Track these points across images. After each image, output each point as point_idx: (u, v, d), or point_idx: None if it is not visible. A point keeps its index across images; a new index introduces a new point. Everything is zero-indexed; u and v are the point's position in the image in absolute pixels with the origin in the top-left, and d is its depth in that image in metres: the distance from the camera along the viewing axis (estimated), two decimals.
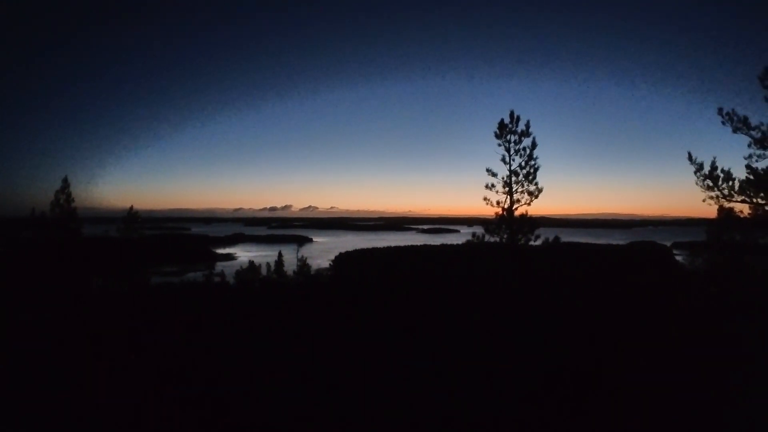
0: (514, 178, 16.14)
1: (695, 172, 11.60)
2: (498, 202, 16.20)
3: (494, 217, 16.28)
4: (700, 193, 11.64)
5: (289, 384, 8.93)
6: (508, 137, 16.13)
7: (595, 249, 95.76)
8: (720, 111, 11.06)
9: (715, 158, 11.38)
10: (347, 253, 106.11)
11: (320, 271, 41.21)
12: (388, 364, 10.22)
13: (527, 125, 15.96)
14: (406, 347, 11.68)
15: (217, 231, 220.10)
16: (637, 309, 16.77)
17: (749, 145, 10.82)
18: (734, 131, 10.99)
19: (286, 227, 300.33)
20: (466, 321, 14.88)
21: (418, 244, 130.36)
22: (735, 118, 10.87)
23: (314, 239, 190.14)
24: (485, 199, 16.32)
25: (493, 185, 16.26)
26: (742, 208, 12.96)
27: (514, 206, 16.13)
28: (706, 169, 11.43)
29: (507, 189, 16.19)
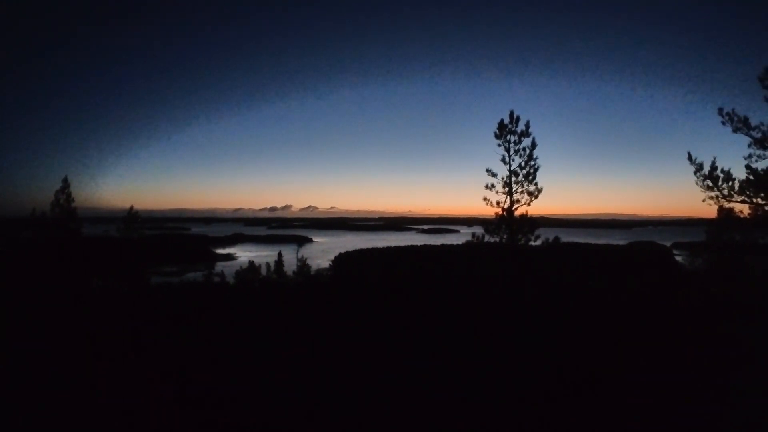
0: (513, 179, 16.15)
1: (695, 173, 11.62)
2: (498, 203, 16.22)
3: (494, 217, 16.30)
4: (700, 194, 11.67)
5: (289, 384, 8.93)
6: (508, 137, 16.15)
7: (595, 249, 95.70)
8: (720, 111, 11.08)
9: (715, 158, 11.41)
10: (347, 253, 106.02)
11: (320, 271, 41.20)
12: (388, 364, 10.22)
13: (527, 125, 15.99)
14: (406, 347, 11.68)
15: (217, 231, 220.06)
16: (637, 309, 16.77)
17: (749, 146, 10.84)
18: (734, 131, 11.01)
19: (286, 227, 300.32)
20: (466, 321, 14.88)
21: (418, 244, 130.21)
22: (735, 118, 10.89)
23: (314, 239, 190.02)
24: (485, 199, 16.34)
25: (492, 185, 16.28)
26: (742, 209, 13.02)
27: (514, 206, 16.15)
28: (706, 169, 11.45)
29: (507, 189, 16.21)
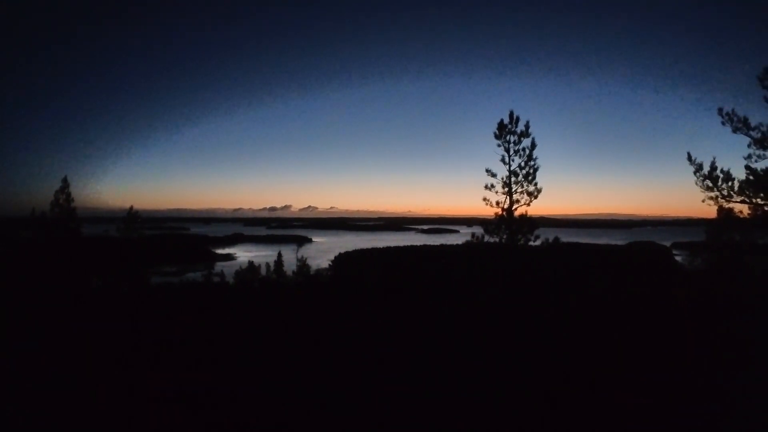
0: (513, 179, 16.16)
1: (695, 173, 11.62)
2: (497, 203, 16.22)
3: (494, 217, 16.30)
4: (699, 194, 11.67)
5: (289, 384, 8.93)
6: (508, 138, 16.16)
7: (595, 249, 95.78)
8: (720, 111, 11.09)
9: (714, 158, 11.41)
10: (347, 253, 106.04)
11: (320, 271, 41.21)
12: (388, 364, 10.22)
13: (527, 126, 16.00)
14: (406, 347, 11.68)
15: (217, 231, 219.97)
16: (636, 309, 16.78)
17: (749, 146, 10.85)
18: (734, 131, 11.02)
19: (286, 227, 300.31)
20: (466, 321, 14.89)
21: (418, 244, 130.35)
22: (735, 119, 10.89)
23: (314, 239, 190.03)
24: (485, 199, 16.34)
25: (492, 186, 16.28)
26: (742, 209, 13.01)
27: (514, 206, 16.16)
28: (706, 169, 11.45)
29: (506, 189, 16.21)
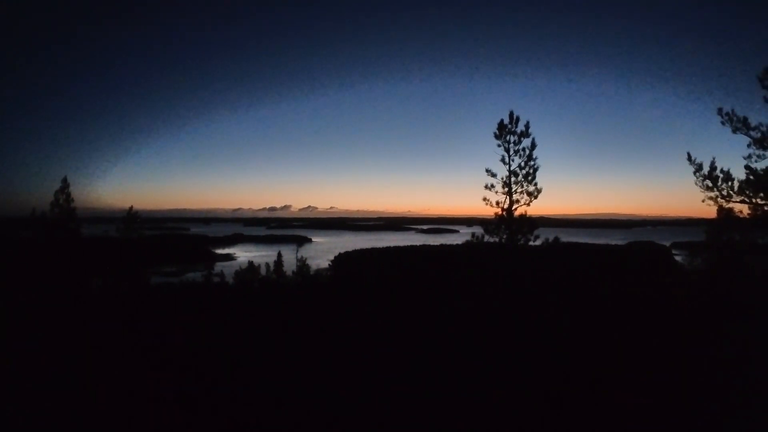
0: (513, 179, 16.15)
1: (695, 173, 11.61)
2: (497, 203, 16.20)
3: (493, 217, 16.28)
4: (699, 194, 11.65)
5: (289, 384, 8.93)
6: (508, 138, 16.15)
7: (595, 249, 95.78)
8: (719, 111, 11.07)
9: (714, 158, 11.38)
10: (346, 253, 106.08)
11: (320, 272, 41.25)
12: (387, 364, 10.23)
13: (527, 126, 15.98)
14: (405, 347, 11.69)
15: (217, 231, 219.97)
16: (636, 309, 16.79)
17: (749, 146, 10.82)
18: (734, 131, 11.00)
19: (286, 227, 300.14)
20: (466, 321, 14.90)
21: (418, 244, 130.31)
22: (734, 119, 10.88)
23: (313, 239, 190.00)
24: (485, 199, 16.33)
25: (492, 185, 16.27)
26: (742, 209, 12.99)
27: (514, 206, 16.15)
28: (706, 169, 11.44)
29: (506, 189, 16.20)
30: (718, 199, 11.43)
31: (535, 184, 16.04)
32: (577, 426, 7.23)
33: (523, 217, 16.13)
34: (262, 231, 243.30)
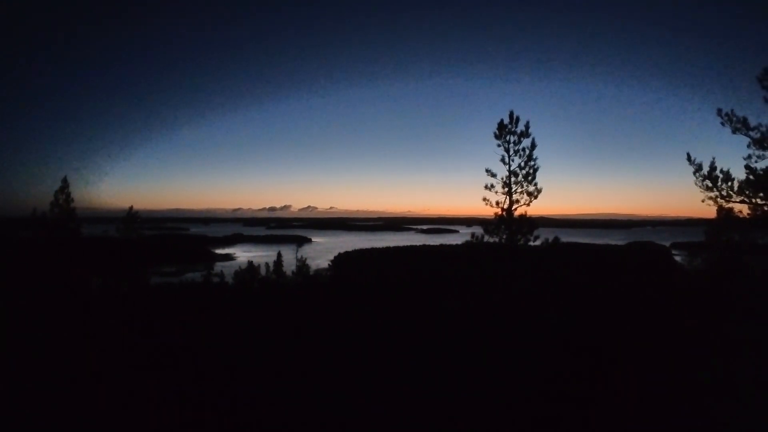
0: (513, 179, 16.14)
1: (694, 173, 11.61)
2: (497, 203, 16.20)
3: (493, 217, 16.28)
4: (699, 194, 11.65)
5: (289, 384, 8.93)
6: (508, 138, 16.14)
7: (595, 249, 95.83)
8: (719, 112, 11.08)
9: (714, 159, 11.39)
10: (346, 253, 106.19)
11: (319, 272, 41.17)
12: (387, 364, 10.22)
13: (527, 126, 15.98)
14: (405, 347, 11.69)
15: (216, 231, 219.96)
16: (636, 309, 16.79)
17: (748, 146, 10.83)
18: (733, 132, 11.00)
19: (285, 227, 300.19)
20: (465, 321, 14.90)
21: (418, 244, 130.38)
22: (734, 119, 10.89)
23: (313, 239, 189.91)
24: (484, 199, 16.33)
25: (492, 186, 16.27)
26: (741, 209, 12.99)
27: (514, 207, 16.15)
28: (705, 169, 11.45)
29: (506, 189, 16.20)
30: (718, 199, 11.44)
31: (535, 184, 16.04)
32: (577, 426, 7.23)
33: (523, 217, 16.13)
34: (261, 231, 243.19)
